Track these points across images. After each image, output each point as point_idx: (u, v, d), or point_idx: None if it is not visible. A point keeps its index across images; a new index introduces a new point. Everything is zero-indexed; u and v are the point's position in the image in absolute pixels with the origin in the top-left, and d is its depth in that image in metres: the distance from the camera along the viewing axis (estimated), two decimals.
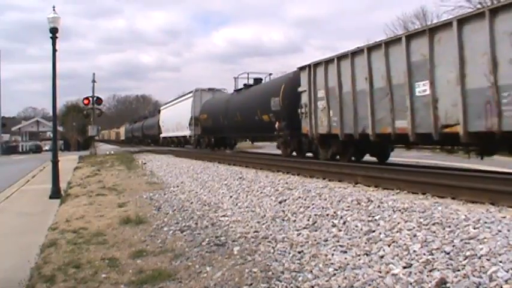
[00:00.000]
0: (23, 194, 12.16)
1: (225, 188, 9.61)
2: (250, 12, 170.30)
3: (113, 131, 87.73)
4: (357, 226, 5.21)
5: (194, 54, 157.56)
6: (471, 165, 11.11)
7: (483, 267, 3.49)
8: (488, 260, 3.58)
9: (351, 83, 10.11)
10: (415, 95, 8.26)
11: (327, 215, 5.94)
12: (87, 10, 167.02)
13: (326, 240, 4.99)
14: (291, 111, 13.11)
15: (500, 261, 3.50)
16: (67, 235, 6.49)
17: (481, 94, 6.90)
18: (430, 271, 3.67)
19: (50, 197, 10.85)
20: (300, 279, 4.05)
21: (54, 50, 11.72)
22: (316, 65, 11.64)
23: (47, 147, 55.51)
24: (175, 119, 30.98)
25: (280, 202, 7.26)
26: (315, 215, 6.06)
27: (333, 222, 5.59)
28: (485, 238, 4.00)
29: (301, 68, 12.52)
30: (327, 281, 3.92)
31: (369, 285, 3.71)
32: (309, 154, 13.24)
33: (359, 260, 4.26)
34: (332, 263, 4.28)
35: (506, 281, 3.23)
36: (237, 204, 7.90)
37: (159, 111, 40.73)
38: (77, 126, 59.94)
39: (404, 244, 4.32)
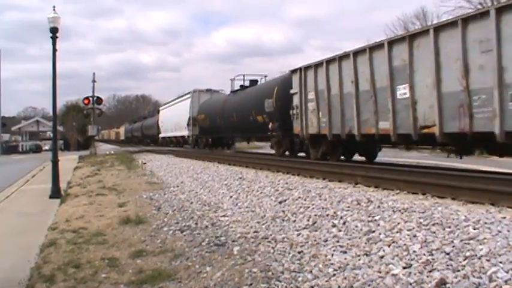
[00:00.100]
0: (22, 194, 12.16)
1: (225, 188, 9.61)
2: (250, 12, 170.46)
3: (112, 131, 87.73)
4: (356, 226, 5.21)
5: (194, 54, 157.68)
6: (471, 165, 11.12)
7: (483, 267, 3.49)
8: (488, 260, 3.58)
9: (339, 85, 10.55)
10: (396, 97, 8.70)
11: (327, 215, 5.94)
12: (87, 10, 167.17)
13: (326, 241, 4.99)
14: (283, 113, 13.56)
15: (500, 262, 3.50)
16: (67, 235, 6.50)
17: (454, 98, 7.37)
18: (430, 271, 3.67)
19: (50, 197, 10.86)
20: (299, 279, 4.05)
21: (54, 50, 11.74)
22: (307, 68, 12.10)
23: (46, 147, 55.52)
24: (173, 119, 31.27)
25: (280, 202, 7.26)
26: (315, 215, 6.05)
27: (332, 222, 5.58)
28: (485, 239, 4.00)
29: (293, 71, 13.00)
30: (326, 281, 3.92)
31: (369, 285, 3.71)
32: (302, 154, 13.59)
33: (359, 260, 4.26)
34: (332, 263, 4.28)
35: (506, 282, 3.23)
36: (237, 204, 7.90)
37: (158, 112, 40.95)
38: (77, 126, 59.93)
39: (404, 244, 4.32)
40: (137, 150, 32.53)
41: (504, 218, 4.55)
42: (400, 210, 5.44)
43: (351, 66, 10.01)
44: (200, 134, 25.70)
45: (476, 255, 3.72)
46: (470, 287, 3.30)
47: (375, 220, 5.27)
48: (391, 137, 8.93)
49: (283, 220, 6.24)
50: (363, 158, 12.61)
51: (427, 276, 3.60)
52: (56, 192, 11.05)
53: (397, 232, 4.70)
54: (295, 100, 12.68)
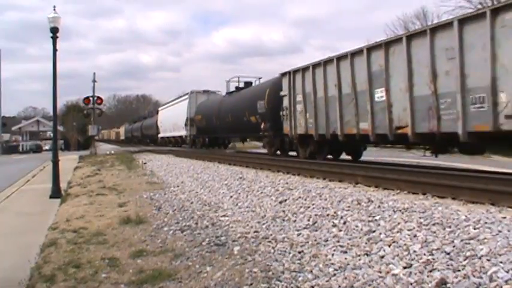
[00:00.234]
0: (23, 194, 12.16)
1: (226, 188, 9.61)
2: (250, 12, 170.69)
3: (113, 131, 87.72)
4: (357, 226, 5.21)
5: (194, 54, 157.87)
6: (471, 165, 11.11)
7: (483, 267, 3.49)
8: (488, 260, 3.58)
9: (324, 89, 11.15)
10: (374, 100, 9.31)
11: (327, 215, 5.94)
12: (87, 10, 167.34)
13: (326, 240, 4.99)
14: (274, 114, 14.10)
15: (501, 262, 3.50)
16: (67, 235, 6.49)
17: (424, 101, 7.98)
18: (430, 271, 3.67)
19: (50, 197, 10.86)
20: (300, 279, 4.05)
21: (55, 50, 11.73)
22: (295, 71, 12.66)
23: (47, 147, 55.60)
24: (172, 120, 31.72)
25: (280, 202, 7.26)
26: (315, 215, 6.05)
27: (333, 222, 5.58)
28: (485, 238, 4.00)
29: (283, 74, 13.52)
30: (327, 281, 3.92)
31: (369, 285, 3.71)
32: (293, 153, 14.02)
33: (359, 260, 4.26)
34: (332, 263, 4.28)
35: (506, 282, 3.23)
36: (237, 204, 7.90)
37: (157, 112, 41.13)
38: (77, 125, 59.96)
39: (405, 244, 4.32)
40: (137, 150, 32.57)
41: (504, 217, 4.55)
42: (400, 210, 5.44)
43: (335, 70, 10.58)
44: (197, 134, 26.22)
45: (476, 255, 3.72)
46: (471, 287, 3.30)
47: (375, 220, 5.27)
48: (370, 137, 9.55)
49: (283, 220, 6.24)
50: (364, 158, 12.78)
51: (428, 276, 3.60)
52: (56, 192, 11.05)
53: (398, 232, 4.70)
54: (285, 102, 13.23)
